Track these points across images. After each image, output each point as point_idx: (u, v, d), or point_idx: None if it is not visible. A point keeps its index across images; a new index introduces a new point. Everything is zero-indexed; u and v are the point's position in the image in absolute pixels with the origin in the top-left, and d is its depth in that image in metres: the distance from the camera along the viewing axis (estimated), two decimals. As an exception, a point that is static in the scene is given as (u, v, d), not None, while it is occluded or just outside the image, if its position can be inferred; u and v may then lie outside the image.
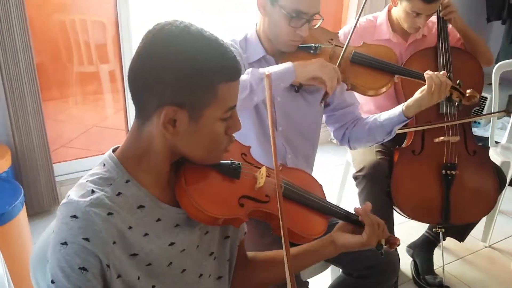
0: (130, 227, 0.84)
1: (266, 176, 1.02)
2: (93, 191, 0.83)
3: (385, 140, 1.65)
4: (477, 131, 3.52)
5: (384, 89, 1.60)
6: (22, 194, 1.87)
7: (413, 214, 2.01)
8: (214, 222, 0.93)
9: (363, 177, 1.99)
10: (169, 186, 0.92)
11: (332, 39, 1.62)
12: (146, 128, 0.86)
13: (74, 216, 0.79)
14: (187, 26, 0.83)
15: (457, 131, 1.98)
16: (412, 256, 2.31)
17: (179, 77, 0.80)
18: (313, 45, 1.55)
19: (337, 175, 2.59)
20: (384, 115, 1.62)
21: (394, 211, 2.05)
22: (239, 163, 1.00)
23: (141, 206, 0.87)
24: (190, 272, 0.95)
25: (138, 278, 0.86)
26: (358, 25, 2.08)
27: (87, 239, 0.78)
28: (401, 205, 2.00)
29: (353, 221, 1.15)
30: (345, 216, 1.16)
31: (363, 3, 1.69)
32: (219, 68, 0.82)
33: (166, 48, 0.81)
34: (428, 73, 1.55)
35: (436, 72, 1.55)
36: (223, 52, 0.83)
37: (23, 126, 2.39)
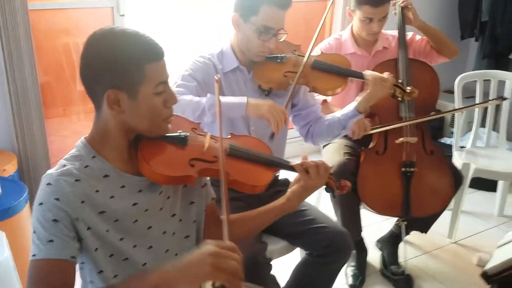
0: (97, 191, 1.08)
1: (214, 142, 1.25)
2: (64, 165, 1.08)
3: (342, 133, 1.89)
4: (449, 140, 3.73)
5: (339, 90, 1.86)
6: (26, 192, 2.11)
7: (378, 208, 2.24)
8: (170, 181, 1.16)
9: (331, 176, 2.21)
10: (131, 159, 1.15)
11: (295, 50, 1.88)
12: (102, 114, 1.11)
13: (49, 184, 1.05)
14: (113, 28, 1.09)
15: (415, 132, 2.21)
16: (380, 249, 2.52)
17: (111, 65, 1.05)
18: (279, 55, 1.80)
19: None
20: (341, 112, 1.88)
21: (361, 206, 2.27)
22: (186, 134, 1.23)
23: (106, 176, 1.11)
24: (155, 229, 1.18)
25: (107, 231, 1.09)
26: (327, 44, 2.38)
27: (57, 199, 1.03)
28: (367, 200, 2.22)
29: (292, 169, 1.36)
30: (288, 166, 1.37)
31: (322, 18, 1.95)
32: (142, 52, 1.06)
33: (98, 45, 1.07)
34: (370, 72, 1.82)
35: (377, 73, 1.81)
36: (143, 40, 1.08)
37: (28, 138, 2.63)
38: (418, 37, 2.46)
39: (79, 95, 3.07)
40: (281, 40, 1.81)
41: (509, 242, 1.24)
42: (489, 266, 1.17)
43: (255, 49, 1.75)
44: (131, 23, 2.90)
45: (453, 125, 3.76)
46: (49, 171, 1.07)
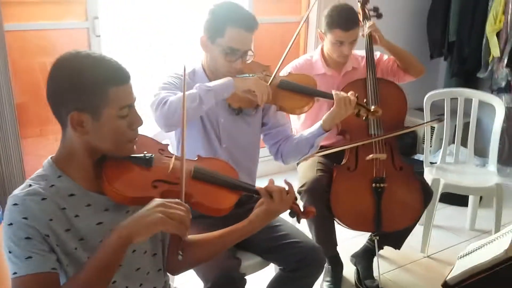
0: (63, 208, 1.11)
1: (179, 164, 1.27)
2: (30, 185, 1.10)
3: (310, 152, 1.95)
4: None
5: (306, 108, 1.92)
6: (0, 212, 2.11)
7: (350, 223, 2.29)
8: (131, 202, 1.18)
9: (305, 192, 2.27)
10: (98, 178, 1.18)
11: (264, 70, 1.94)
12: (67, 134, 1.15)
13: (15, 204, 1.06)
14: (79, 51, 1.12)
15: (383, 149, 2.28)
16: (354, 264, 2.56)
17: (75, 88, 1.09)
18: (247, 75, 1.86)
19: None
20: (308, 131, 1.94)
21: (335, 221, 2.32)
22: (152, 155, 1.26)
23: (72, 195, 1.13)
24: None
25: (75, 248, 1.12)
26: (297, 64, 2.45)
27: (26, 218, 1.05)
28: (340, 216, 2.27)
29: (257, 193, 1.39)
30: (252, 190, 1.41)
31: (291, 41, 2.02)
32: (105, 76, 1.10)
33: (63, 68, 1.11)
34: (335, 92, 1.88)
35: (343, 92, 1.88)
36: (108, 65, 1.12)
37: (3, 158, 2.63)
38: (385, 56, 2.55)
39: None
40: (249, 61, 1.86)
41: (470, 253, 1.30)
42: (450, 276, 1.22)
43: (223, 69, 1.80)
44: (107, 44, 2.94)
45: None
46: (14, 192, 1.09)
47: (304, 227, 2.22)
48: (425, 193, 2.35)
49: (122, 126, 1.15)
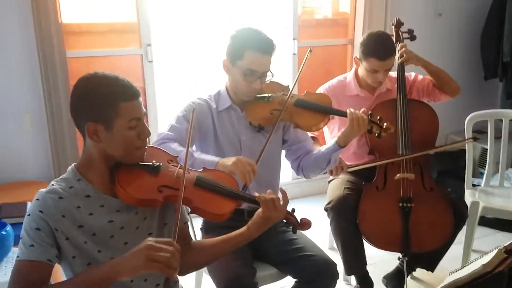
0: (78, 207, 1.28)
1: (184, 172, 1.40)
2: (53, 185, 1.30)
3: (328, 168, 2.02)
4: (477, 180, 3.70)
5: (321, 125, 2.00)
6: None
7: (377, 242, 2.30)
8: (138, 203, 1.33)
9: (330, 209, 2.32)
10: (112, 183, 1.34)
11: (283, 90, 2.04)
12: (87, 144, 1.33)
13: (37, 199, 1.26)
14: (96, 72, 1.30)
15: (411, 169, 2.28)
16: (386, 285, 2.54)
17: (91, 102, 1.27)
18: (266, 95, 1.97)
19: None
20: (325, 146, 2.01)
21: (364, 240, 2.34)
22: (160, 164, 1.41)
23: (87, 196, 1.31)
24: (131, 245, 1.32)
25: (85, 242, 1.28)
26: (331, 85, 2.53)
27: (41, 211, 1.23)
28: (366, 234, 2.29)
29: (256, 203, 1.49)
30: (249, 199, 1.51)
31: (302, 65, 2.09)
32: (117, 92, 1.27)
33: (82, 86, 1.29)
34: (349, 110, 1.93)
35: (356, 111, 1.93)
36: (120, 83, 1.29)
37: (63, 169, 2.94)
38: (420, 76, 2.56)
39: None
40: (267, 81, 1.97)
41: (460, 269, 1.30)
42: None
43: (243, 90, 1.93)
44: (158, 68, 3.19)
45: (482, 165, 3.77)
46: (40, 190, 1.29)
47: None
48: (457, 216, 2.30)
49: (131, 136, 1.31)
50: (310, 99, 2.05)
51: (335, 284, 1.85)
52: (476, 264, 1.21)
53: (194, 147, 2.02)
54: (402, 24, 2.61)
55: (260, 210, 1.48)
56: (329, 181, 2.58)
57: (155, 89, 3.23)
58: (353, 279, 2.57)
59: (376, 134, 1.98)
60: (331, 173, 2.32)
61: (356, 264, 2.38)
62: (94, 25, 3.11)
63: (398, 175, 2.28)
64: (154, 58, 3.16)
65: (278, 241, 1.94)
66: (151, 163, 1.41)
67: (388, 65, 2.35)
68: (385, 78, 2.41)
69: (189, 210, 1.46)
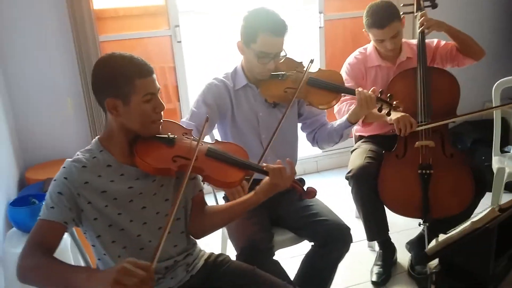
0: (99, 176, 1.42)
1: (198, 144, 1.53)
2: (78, 155, 1.44)
3: (341, 141, 2.08)
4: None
5: (334, 103, 2.05)
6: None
7: (398, 209, 2.35)
8: (154, 171, 1.45)
9: (351, 178, 2.39)
10: (132, 154, 1.47)
11: (297, 67, 2.09)
12: (108, 118, 1.46)
13: (64, 167, 1.41)
14: (114, 52, 1.42)
15: (431, 136, 2.30)
16: (409, 250, 2.59)
17: (109, 79, 1.39)
18: (280, 73, 2.03)
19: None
20: (337, 122, 2.07)
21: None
22: (174, 136, 1.52)
23: (109, 165, 1.45)
24: (149, 209, 1.48)
25: (106, 206, 1.42)
26: (354, 57, 2.56)
27: (66, 178, 1.38)
28: (387, 201, 2.35)
29: (264, 172, 1.58)
30: (257, 169, 1.60)
31: (306, 69, 2.06)
32: (132, 70, 1.38)
33: (101, 66, 1.42)
34: (357, 90, 1.97)
35: (365, 90, 1.97)
36: (135, 61, 1.40)
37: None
38: (443, 42, 2.54)
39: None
40: (281, 60, 2.03)
41: (455, 229, 1.35)
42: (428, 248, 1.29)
43: (257, 70, 2.00)
44: (187, 48, 3.31)
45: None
46: (67, 159, 1.44)
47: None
48: (478, 182, 2.30)
49: (147, 109, 1.43)
50: (322, 77, 2.08)
51: (348, 247, 1.93)
52: (467, 223, 1.27)
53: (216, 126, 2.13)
54: (423, -9, 2.58)
55: (267, 178, 1.57)
56: (351, 151, 2.64)
57: (184, 68, 3.37)
58: (376, 245, 2.63)
59: (386, 112, 2.01)
60: (399, 131, 2.28)
61: (377, 230, 2.44)
62: (124, 9, 3.25)
63: (417, 142, 2.30)
64: (183, 38, 3.28)
65: (295, 207, 2.03)
66: (166, 136, 1.53)
67: (389, 32, 2.34)
68: (394, 45, 2.40)
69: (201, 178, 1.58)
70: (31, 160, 3.05)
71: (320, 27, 3.59)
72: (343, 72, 2.55)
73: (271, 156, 2.08)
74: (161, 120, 1.50)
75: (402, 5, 2.67)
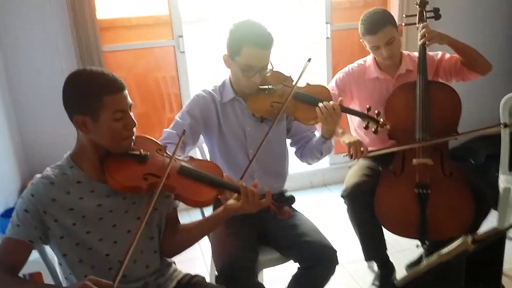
0: (68, 192, 1.40)
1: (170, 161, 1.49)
2: (47, 171, 1.42)
3: (323, 156, 2.03)
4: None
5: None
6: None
7: (394, 229, 2.27)
8: (128, 190, 1.43)
9: (345, 197, 2.31)
10: (102, 170, 1.44)
11: (284, 81, 2.03)
12: (79, 134, 1.44)
13: (32, 183, 1.39)
14: (84, 68, 1.41)
15: (430, 154, 2.21)
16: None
17: (78, 96, 1.37)
18: (267, 87, 1.97)
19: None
20: (315, 138, 2.04)
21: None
22: (146, 153, 1.49)
23: (78, 182, 1.42)
24: (119, 227, 1.45)
25: (74, 224, 1.39)
26: (351, 68, 2.49)
27: (32, 195, 1.37)
28: (383, 220, 2.26)
29: (236, 191, 1.55)
30: (230, 187, 1.57)
31: (302, 71, 2.03)
32: (101, 87, 1.36)
33: (71, 81, 1.40)
34: (319, 104, 1.90)
35: (326, 102, 1.90)
36: (104, 77, 1.37)
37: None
38: (447, 55, 2.45)
39: (168, 122, 3.51)
40: (268, 73, 1.98)
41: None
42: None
43: (243, 83, 1.95)
44: (190, 58, 3.30)
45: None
46: (36, 175, 1.42)
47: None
48: (480, 202, 2.19)
49: (117, 127, 1.40)
50: (310, 92, 2.02)
51: (333, 270, 1.86)
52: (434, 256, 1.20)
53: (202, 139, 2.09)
54: (427, 3, 2.49)
55: (238, 196, 1.53)
56: (349, 167, 2.56)
57: (188, 78, 3.35)
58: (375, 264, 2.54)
59: (373, 130, 1.94)
60: (351, 157, 2.29)
61: (374, 250, 2.36)
62: (128, 20, 3.27)
63: (414, 160, 2.22)
64: (186, 49, 3.27)
65: (283, 225, 1.97)
66: (138, 152, 1.50)
67: (382, 37, 2.26)
68: (390, 52, 2.31)
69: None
70: (35, 170, 3.06)
71: (327, 38, 3.52)
72: (334, 80, 2.50)
73: (258, 172, 2.04)
74: (133, 137, 1.48)
75: (404, 15, 2.60)
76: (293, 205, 2.11)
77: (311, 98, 1.99)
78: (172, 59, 3.30)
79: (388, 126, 1.93)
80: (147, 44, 3.27)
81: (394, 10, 3.48)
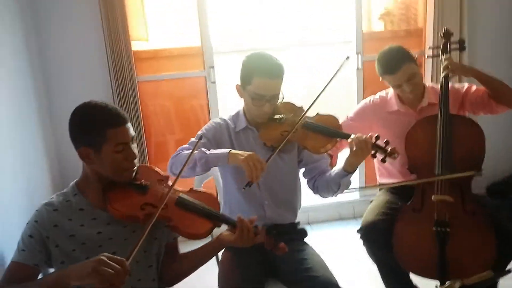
0: (70, 219, 1.47)
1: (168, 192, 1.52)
2: (52, 198, 1.50)
3: (340, 191, 1.98)
4: None
5: (329, 147, 1.95)
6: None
7: (412, 268, 2.19)
8: (127, 219, 1.48)
9: (361, 237, 2.26)
10: (105, 199, 1.50)
11: (293, 111, 2.05)
12: (84, 164, 1.51)
13: (37, 210, 1.47)
14: (90, 101, 1.48)
15: (447, 190, 2.12)
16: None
17: (81, 128, 1.45)
18: (278, 116, 2.01)
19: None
20: (335, 170, 1.97)
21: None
22: (147, 183, 1.54)
23: (81, 209, 1.49)
24: (119, 255, 1.45)
25: (74, 250, 1.45)
26: (371, 100, 2.47)
27: (36, 221, 1.44)
28: (401, 259, 2.18)
29: (233, 225, 1.57)
30: (226, 221, 1.58)
31: (339, 67, 2.07)
32: (103, 120, 1.43)
33: (76, 114, 1.47)
34: (353, 136, 1.87)
35: (359, 135, 1.86)
36: (108, 111, 1.44)
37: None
38: (474, 87, 2.37)
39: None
40: (279, 103, 2.02)
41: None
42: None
43: (254, 112, 2.00)
44: (220, 88, 3.39)
45: None
46: (42, 202, 1.50)
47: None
48: (501, 241, 2.06)
49: (118, 158, 1.47)
50: (319, 121, 2.02)
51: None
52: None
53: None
54: (452, 34, 2.44)
55: (233, 229, 1.55)
56: (371, 201, 2.50)
57: (217, 107, 3.44)
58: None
59: (381, 159, 1.90)
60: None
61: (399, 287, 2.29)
62: (162, 51, 3.41)
63: (433, 196, 2.13)
64: (217, 79, 3.36)
65: (290, 260, 1.95)
66: (139, 183, 1.55)
67: (403, 75, 2.23)
68: (413, 87, 2.27)
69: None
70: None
71: (358, 69, 3.50)
72: (353, 110, 2.47)
73: (268, 201, 2.05)
74: (134, 168, 1.54)
75: (428, 47, 2.56)
76: (306, 239, 2.12)
77: (319, 126, 2.00)
78: (203, 88, 3.40)
79: (396, 155, 1.88)
80: (179, 74, 3.40)
81: (428, 40, 3.41)
